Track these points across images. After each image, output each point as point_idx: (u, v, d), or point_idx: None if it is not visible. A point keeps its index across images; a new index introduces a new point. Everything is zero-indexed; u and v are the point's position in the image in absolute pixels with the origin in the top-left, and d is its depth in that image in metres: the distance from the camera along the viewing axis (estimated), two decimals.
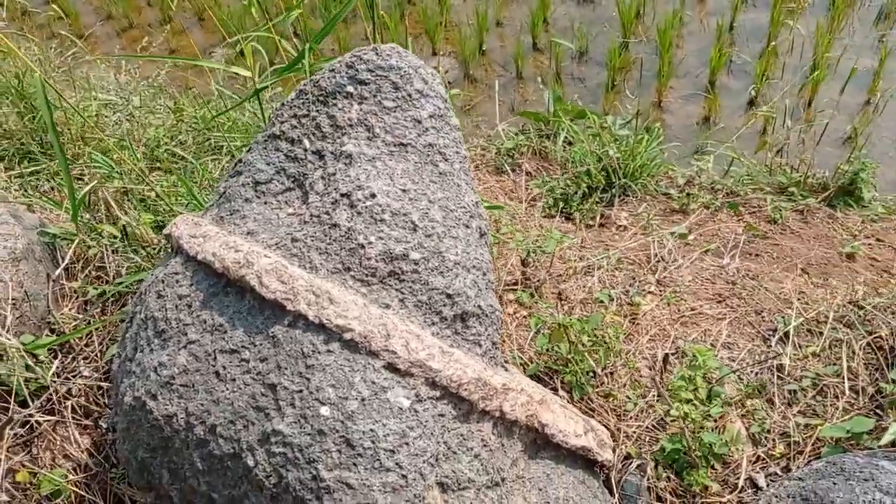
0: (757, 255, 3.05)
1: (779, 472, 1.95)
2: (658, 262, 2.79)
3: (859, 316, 2.33)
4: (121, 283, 2.17)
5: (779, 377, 2.17)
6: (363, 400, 1.34)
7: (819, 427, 1.98)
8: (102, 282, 2.27)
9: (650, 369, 2.20)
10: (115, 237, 2.28)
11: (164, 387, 1.50)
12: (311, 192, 1.56)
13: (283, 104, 1.69)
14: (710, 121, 5.32)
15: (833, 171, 3.67)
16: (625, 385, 2.14)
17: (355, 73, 1.61)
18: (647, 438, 2.03)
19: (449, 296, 1.48)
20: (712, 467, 1.93)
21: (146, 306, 1.62)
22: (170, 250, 1.73)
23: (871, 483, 1.60)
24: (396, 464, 1.33)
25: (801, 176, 3.66)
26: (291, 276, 1.42)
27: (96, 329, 2.10)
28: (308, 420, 1.34)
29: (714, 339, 2.33)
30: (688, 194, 3.50)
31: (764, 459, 1.98)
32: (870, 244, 3.17)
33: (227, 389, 1.42)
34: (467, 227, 1.57)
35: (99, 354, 2.12)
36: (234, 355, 1.44)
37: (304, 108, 1.65)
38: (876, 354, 2.22)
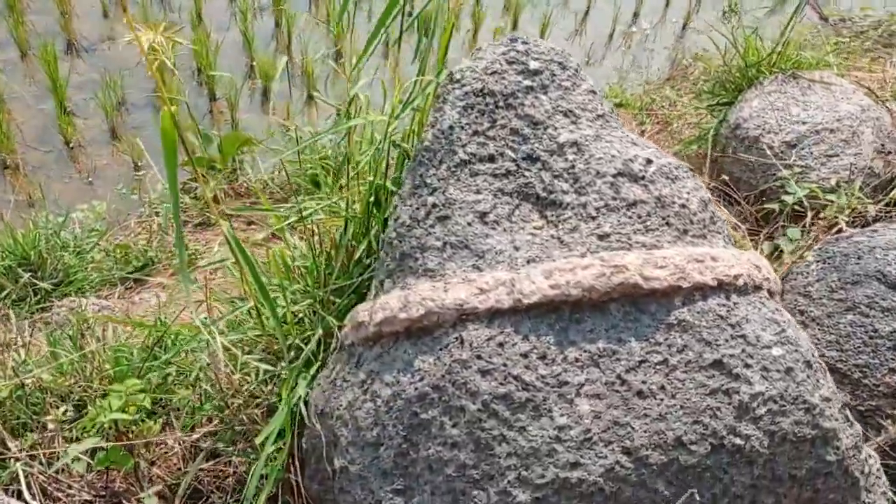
0: None
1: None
2: None
3: None
4: None
5: None
6: (788, 320, 1.41)
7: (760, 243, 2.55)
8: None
9: None
10: None
11: (581, 448, 1.29)
12: (556, 193, 1.46)
13: (449, 128, 1.49)
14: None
15: None
16: None
17: (524, 66, 1.53)
18: None
19: (723, 221, 1.58)
20: None
21: (465, 396, 1.32)
22: (423, 335, 1.40)
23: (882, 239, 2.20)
24: (818, 365, 1.44)
25: None
26: (663, 256, 1.36)
27: None
28: (769, 368, 1.35)
29: None
30: None
31: None
32: None
33: (664, 399, 1.32)
34: None
35: None
36: (644, 366, 1.33)
37: (484, 122, 1.50)
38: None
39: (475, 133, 1.49)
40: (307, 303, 1.70)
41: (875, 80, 3.41)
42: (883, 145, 2.78)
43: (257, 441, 1.50)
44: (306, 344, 1.68)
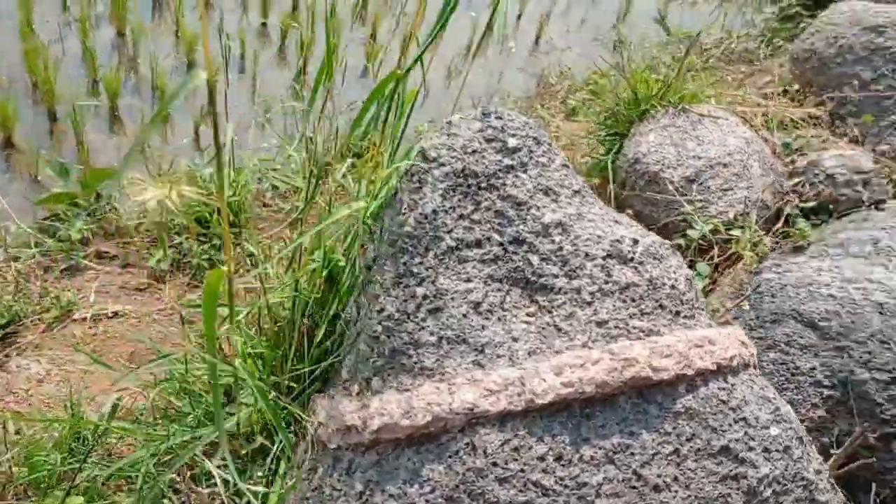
0: None
1: None
2: None
3: None
4: None
5: None
6: (777, 396, 1.44)
7: None
8: None
9: None
10: None
11: None
12: (546, 277, 1.42)
13: (433, 212, 1.41)
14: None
15: None
16: None
17: (502, 143, 1.47)
18: None
19: (702, 295, 1.60)
20: None
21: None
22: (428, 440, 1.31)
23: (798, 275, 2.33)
24: (807, 437, 1.49)
25: None
26: (667, 345, 1.35)
27: None
28: (770, 449, 1.38)
29: None
30: None
31: None
32: None
33: (679, 490, 1.31)
34: None
35: None
36: (657, 458, 1.32)
37: (468, 204, 1.43)
38: None
39: (460, 217, 1.41)
40: (272, 395, 1.56)
41: (749, 110, 3.62)
42: (771, 178, 2.96)
43: None
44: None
